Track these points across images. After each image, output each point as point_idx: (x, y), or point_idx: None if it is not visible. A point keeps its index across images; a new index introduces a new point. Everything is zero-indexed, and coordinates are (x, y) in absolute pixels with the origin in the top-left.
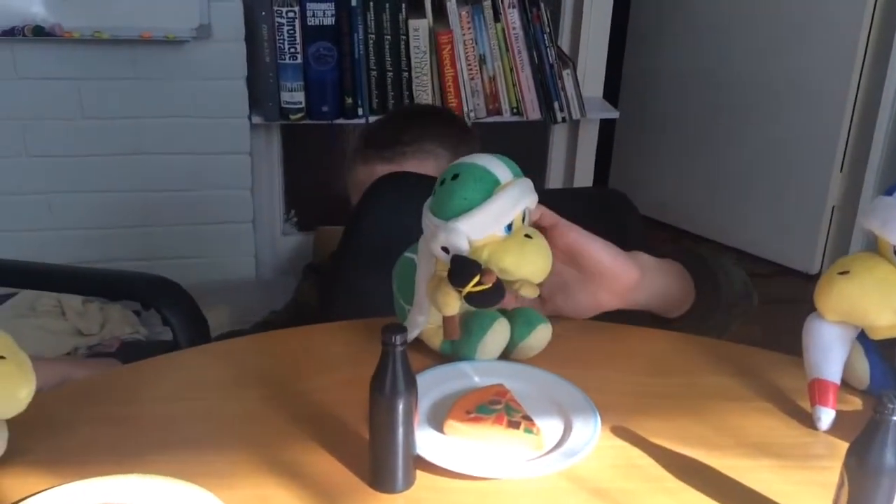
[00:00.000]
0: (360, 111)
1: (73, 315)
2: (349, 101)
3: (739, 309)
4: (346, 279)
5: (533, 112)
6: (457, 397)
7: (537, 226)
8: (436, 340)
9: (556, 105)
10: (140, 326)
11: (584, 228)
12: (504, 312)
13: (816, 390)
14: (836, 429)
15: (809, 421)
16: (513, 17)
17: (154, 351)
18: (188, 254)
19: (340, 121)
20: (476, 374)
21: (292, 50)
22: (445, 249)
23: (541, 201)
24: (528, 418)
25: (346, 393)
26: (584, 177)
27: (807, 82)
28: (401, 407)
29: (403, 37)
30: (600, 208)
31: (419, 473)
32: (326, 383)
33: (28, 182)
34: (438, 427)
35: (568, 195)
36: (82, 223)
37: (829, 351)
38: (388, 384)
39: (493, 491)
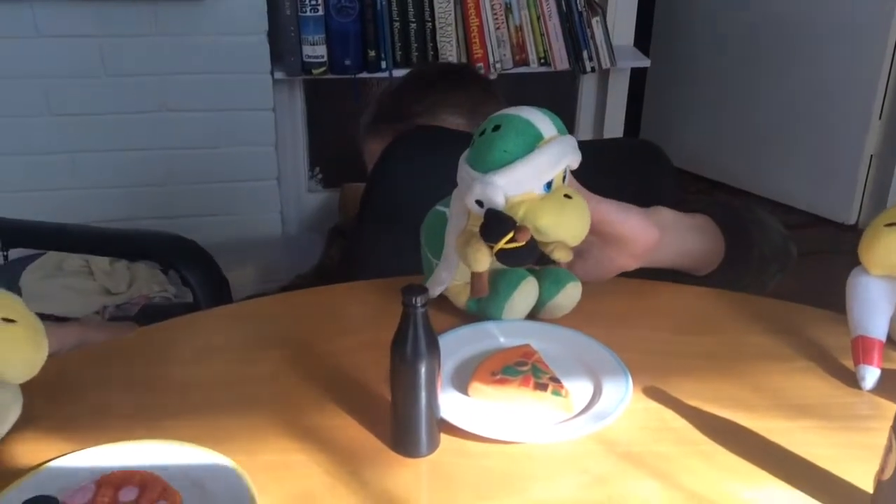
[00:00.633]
0: (383, 64)
1: (101, 274)
2: (372, 53)
3: (777, 265)
4: (367, 238)
5: (561, 62)
6: (482, 359)
7: None
8: (462, 298)
9: (584, 54)
10: (168, 285)
11: (616, 181)
12: (532, 271)
13: (861, 348)
14: (882, 388)
15: (853, 380)
16: None
17: (175, 313)
18: (213, 212)
19: (364, 74)
20: (502, 334)
21: (313, 2)
22: (480, 203)
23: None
24: (555, 380)
25: (368, 355)
26: (615, 128)
27: (845, 28)
28: (423, 370)
29: None
30: (632, 159)
31: (443, 437)
32: (348, 345)
33: (51, 141)
34: (463, 389)
35: (598, 146)
36: (106, 182)
37: (875, 307)
38: (410, 347)
39: (521, 455)
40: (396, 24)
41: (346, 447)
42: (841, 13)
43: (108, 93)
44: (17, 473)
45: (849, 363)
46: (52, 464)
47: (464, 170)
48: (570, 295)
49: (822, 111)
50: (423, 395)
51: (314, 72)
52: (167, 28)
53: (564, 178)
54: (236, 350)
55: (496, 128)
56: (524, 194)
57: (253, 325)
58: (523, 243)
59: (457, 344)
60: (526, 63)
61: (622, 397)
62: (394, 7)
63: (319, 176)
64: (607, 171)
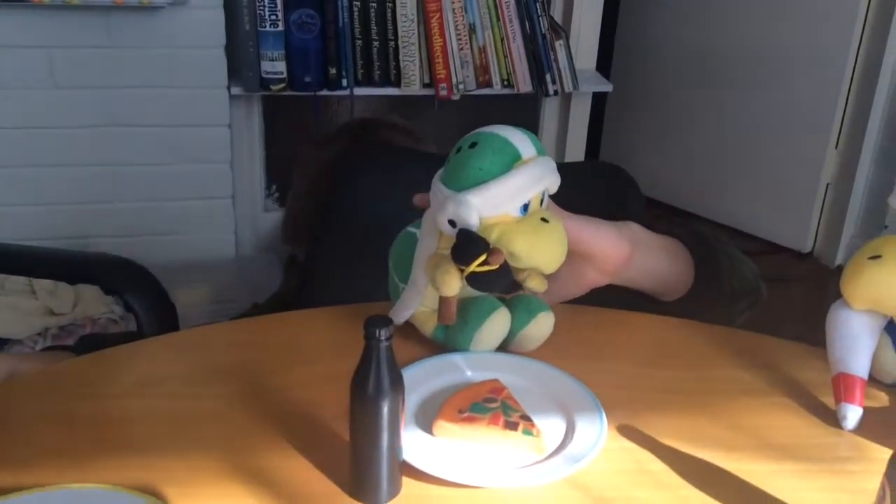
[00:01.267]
0: (344, 82)
1: (44, 294)
2: (333, 71)
3: (747, 301)
4: (326, 258)
5: (524, 84)
6: (448, 394)
7: None
8: (429, 326)
9: (548, 77)
10: (115, 306)
11: (584, 203)
12: (503, 301)
13: (842, 386)
14: (864, 428)
15: (833, 419)
16: None
17: (117, 342)
18: (164, 231)
19: (324, 92)
20: (469, 367)
21: (273, 17)
22: (452, 224)
23: None
24: (527, 418)
25: (327, 389)
26: (576, 152)
27: (803, 57)
28: (386, 409)
29: (390, 4)
30: (600, 182)
31: (406, 481)
32: (304, 377)
33: None
34: (427, 428)
35: (566, 168)
36: (53, 199)
37: (856, 342)
38: (372, 384)
39: (489, 500)
40: (359, 42)
41: (298, 492)
42: (799, 44)
43: (58, 106)
44: None
45: (828, 400)
46: None
47: (437, 188)
48: (542, 325)
49: (780, 139)
50: (385, 436)
51: (273, 88)
52: (120, 40)
53: (542, 201)
54: (180, 383)
55: (473, 145)
56: (499, 216)
57: (200, 356)
58: (496, 267)
59: (421, 377)
60: (489, 85)
61: (597, 438)
62: (356, 25)
63: (276, 195)
64: (575, 193)
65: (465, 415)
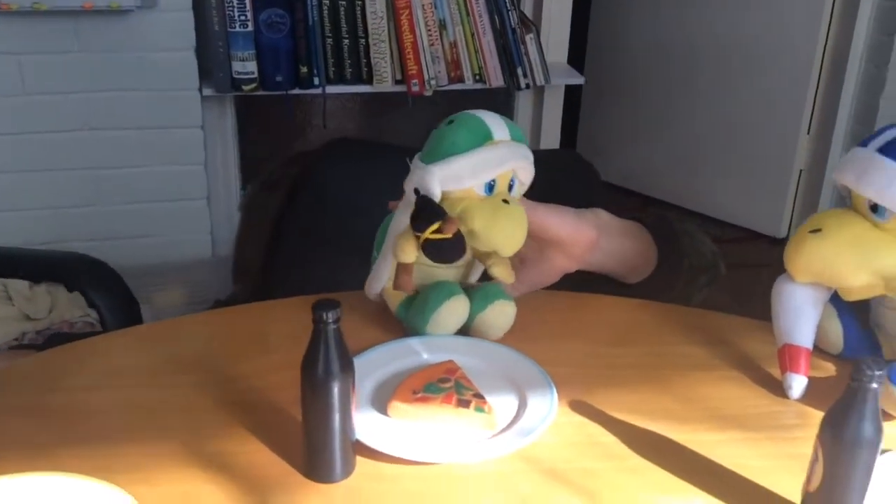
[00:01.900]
0: (316, 80)
1: (20, 299)
2: (304, 70)
3: (706, 278)
4: (289, 251)
5: (496, 79)
6: (404, 377)
7: None
8: (395, 301)
9: (519, 71)
10: (90, 309)
11: (546, 190)
12: (467, 289)
13: (787, 357)
14: (809, 397)
15: (781, 389)
16: None
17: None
18: (141, 233)
19: (296, 91)
20: (426, 350)
21: (242, 17)
22: (417, 192)
23: None
24: (479, 396)
25: (286, 375)
26: (551, 144)
27: (773, 46)
28: (336, 390)
29: (359, 2)
30: (562, 170)
31: (360, 460)
32: (262, 366)
33: None
34: (383, 410)
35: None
36: (29, 204)
37: (800, 314)
38: (321, 366)
39: (441, 476)
40: (329, 41)
41: (255, 474)
42: (770, 33)
43: (29, 112)
44: None
45: (775, 371)
46: None
47: (414, 162)
48: (499, 312)
49: (754, 127)
50: (337, 416)
51: (244, 88)
52: (90, 44)
53: (511, 187)
54: (144, 374)
55: (450, 122)
56: (464, 192)
57: (164, 347)
58: (450, 235)
59: (379, 361)
60: (461, 80)
61: (547, 412)
62: (326, 23)
63: None
64: (538, 181)
65: (419, 395)
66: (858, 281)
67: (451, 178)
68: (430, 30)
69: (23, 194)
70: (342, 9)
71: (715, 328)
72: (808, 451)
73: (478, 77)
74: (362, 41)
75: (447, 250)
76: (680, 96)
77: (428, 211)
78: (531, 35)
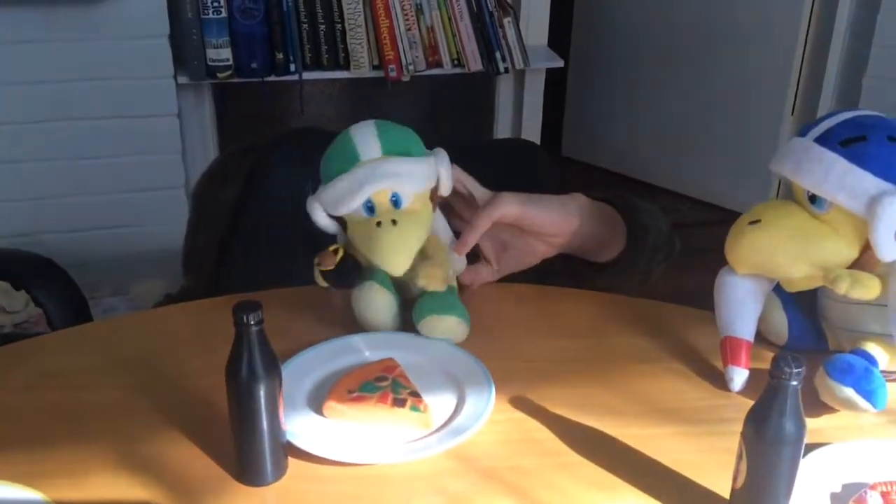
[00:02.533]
0: (292, 67)
1: None
2: (280, 56)
3: (663, 254)
4: (240, 247)
5: (474, 63)
6: (343, 374)
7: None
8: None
9: (497, 55)
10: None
11: (502, 180)
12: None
13: (728, 349)
14: (750, 389)
15: (722, 382)
16: None
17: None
18: (119, 223)
19: (272, 77)
20: (367, 347)
21: (216, 4)
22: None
23: (454, 158)
24: (415, 395)
25: (223, 376)
26: (533, 128)
27: (757, 28)
28: (262, 393)
29: None
30: (513, 159)
31: (293, 462)
32: (204, 366)
33: None
34: (320, 410)
35: (480, 148)
36: (4, 195)
37: (742, 307)
38: (245, 369)
39: (375, 477)
40: (305, 26)
41: (185, 477)
42: (753, 15)
43: (1, 102)
44: None
45: (719, 363)
46: None
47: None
48: (448, 327)
49: (738, 109)
50: (264, 419)
51: (219, 75)
52: (61, 33)
53: (398, 203)
54: (82, 374)
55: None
56: (350, 215)
57: (106, 347)
58: (331, 267)
59: (319, 359)
60: (439, 65)
61: (483, 410)
62: (301, 9)
63: None
64: (492, 172)
65: (355, 395)
66: (797, 272)
67: (328, 204)
68: (406, 14)
69: None
70: None
71: (663, 319)
72: None
73: (456, 62)
74: (338, 27)
75: (337, 278)
76: (665, 78)
77: (312, 242)
78: (509, 19)
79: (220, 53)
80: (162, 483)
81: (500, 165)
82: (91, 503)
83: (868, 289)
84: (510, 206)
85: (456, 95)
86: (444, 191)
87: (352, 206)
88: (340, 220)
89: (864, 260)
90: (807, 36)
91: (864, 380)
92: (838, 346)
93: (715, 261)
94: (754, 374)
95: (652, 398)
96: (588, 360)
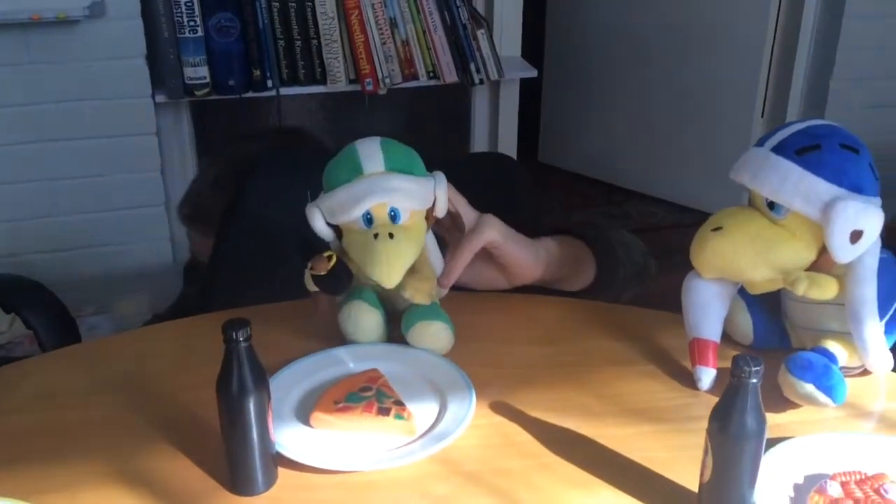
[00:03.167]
0: (269, 83)
1: None
2: (257, 73)
3: (634, 282)
4: (226, 261)
5: (450, 75)
6: (329, 386)
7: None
8: None
9: (472, 67)
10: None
11: (476, 194)
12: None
13: (696, 350)
14: (718, 388)
15: (691, 381)
16: None
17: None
18: (101, 242)
19: (249, 94)
20: (351, 359)
21: (192, 23)
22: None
23: (432, 171)
24: (399, 403)
25: (211, 391)
26: (509, 138)
27: (725, 31)
28: (251, 406)
29: (309, 3)
30: (489, 173)
31: (283, 472)
32: (193, 381)
33: None
34: (307, 421)
35: (455, 162)
36: None
37: (708, 309)
38: (236, 384)
39: (362, 484)
40: (281, 43)
41: (179, 490)
42: (721, 17)
43: None
44: None
45: (689, 365)
46: None
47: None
48: (434, 335)
49: (709, 112)
50: (255, 431)
51: (197, 93)
52: (41, 56)
53: (396, 217)
54: (73, 394)
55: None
56: (347, 224)
57: (95, 367)
58: (323, 272)
59: (305, 372)
60: (415, 77)
61: (464, 416)
62: (277, 25)
63: None
64: (469, 185)
65: (341, 405)
66: (758, 275)
67: (328, 212)
68: (381, 29)
69: None
70: (292, 10)
71: (636, 324)
72: None
73: (431, 74)
74: (314, 42)
75: (328, 284)
76: (638, 85)
77: (307, 247)
78: (482, 31)
79: (198, 71)
80: (157, 496)
81: (476, 179)
82: None
83: (825, 289)
84: (492, 234)
85: (432, 107)
86: (440, 212)
87: (352, 215)
88: (337, 229)
89: (822, 262)
90: (773, 41)
91: (824, 376)
92: (801, 345)
93: (688, 262)
94: (721, 373)
95: (625, 399)
96: (565, 364)
